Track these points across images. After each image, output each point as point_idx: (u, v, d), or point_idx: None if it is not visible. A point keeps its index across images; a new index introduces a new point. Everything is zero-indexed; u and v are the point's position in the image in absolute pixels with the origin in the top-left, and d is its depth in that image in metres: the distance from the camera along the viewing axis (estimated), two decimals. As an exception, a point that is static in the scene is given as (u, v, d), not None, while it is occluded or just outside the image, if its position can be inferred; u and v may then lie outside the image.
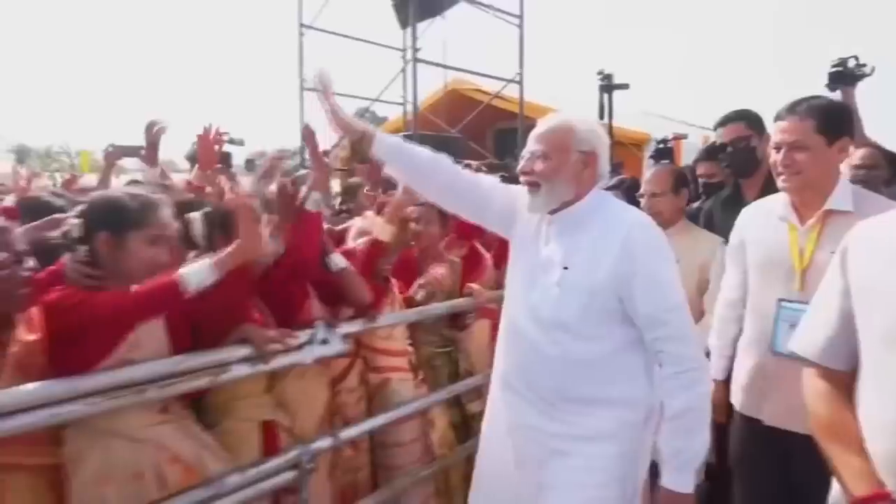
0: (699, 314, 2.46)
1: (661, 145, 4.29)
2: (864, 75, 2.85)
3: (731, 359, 2.12)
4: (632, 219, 1.62)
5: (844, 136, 1.82)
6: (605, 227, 1.60)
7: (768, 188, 2.19)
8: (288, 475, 1.90)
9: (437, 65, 7.35)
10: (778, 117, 1.88)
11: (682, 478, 1.55)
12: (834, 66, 2.86)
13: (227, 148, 3.48)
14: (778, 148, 1.86)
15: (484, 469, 1.90)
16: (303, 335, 1.94)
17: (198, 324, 1.76)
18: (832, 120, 1.81)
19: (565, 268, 1.62)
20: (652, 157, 4.30)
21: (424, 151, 1.80)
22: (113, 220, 1.56)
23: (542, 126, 1.68)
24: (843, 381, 1.24)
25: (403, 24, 7.54)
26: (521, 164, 1.67)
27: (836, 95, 2.79)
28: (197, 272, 1.55)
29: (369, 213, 3.00)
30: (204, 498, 1.65)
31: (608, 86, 6.25)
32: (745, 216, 2.10)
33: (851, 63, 2.83)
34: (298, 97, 7.47)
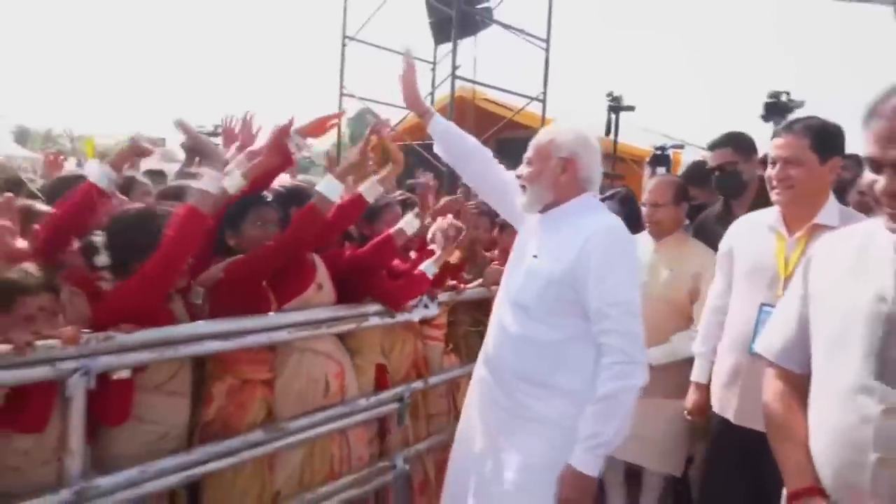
0: (688, 321, 2.55)
1: (659, 152, 4.56)
2: (794, 108, 3.29)
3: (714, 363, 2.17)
4: (600, 224, 1.74)
5: (836, 156, 1.89)
6: (577, 227, 1.74)
7: (756, 206, 2.30)
8: (394, 405, 2.53)
9: (470, 80, 7.99)
10: (775, 134, 1.97)
11: (590, 460, 1.65)
12: (768, 98, 3.32)
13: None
14: (774, 163, 1.93)
15: (457, 439, 2.05)
16: (412, 300, 2.56)
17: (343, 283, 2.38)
18: (826, 140, 1.88)
19: (534, 256, 1.81)
20: (649, 163, 4.52)
21: (470, 138, 2.06)
22: None
23: (537, 135, 1.88)
24: (799, 383, 1.29)
25: (438, 41, 8.22)
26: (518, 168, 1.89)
27: (769, 126, 3.27)
28: (329, 185, 2.00)
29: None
30: (343, 412, 2.28)
31: (616, 107, 6.87)
32: (737, 227, 2.18)
33: (784, 98, 3.31)
34: (338, 104, 8.08)
